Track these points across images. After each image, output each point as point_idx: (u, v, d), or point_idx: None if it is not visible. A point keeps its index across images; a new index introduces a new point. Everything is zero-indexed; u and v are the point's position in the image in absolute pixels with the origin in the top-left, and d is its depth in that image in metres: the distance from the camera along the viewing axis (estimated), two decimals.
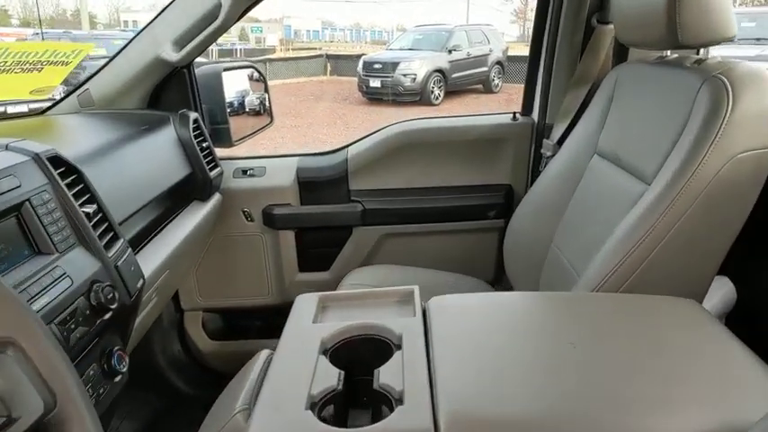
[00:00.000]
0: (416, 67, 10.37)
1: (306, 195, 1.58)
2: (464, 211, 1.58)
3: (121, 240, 0.92)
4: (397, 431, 0.59)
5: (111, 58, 1.39)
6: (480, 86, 11.88)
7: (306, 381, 0.67)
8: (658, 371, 0.68)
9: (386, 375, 0.68)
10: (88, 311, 0.77)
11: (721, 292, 1.15)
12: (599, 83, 1.30)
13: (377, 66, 10.68)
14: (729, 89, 0.89)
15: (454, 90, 11.07)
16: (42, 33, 11.65)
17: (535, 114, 1.57)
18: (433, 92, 10.51)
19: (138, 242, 1.12)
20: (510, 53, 12.92)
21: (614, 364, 0.70)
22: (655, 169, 0.98)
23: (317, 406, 0.64)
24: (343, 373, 0.69)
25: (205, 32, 1.28)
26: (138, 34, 1.37)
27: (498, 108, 10.22)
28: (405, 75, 10.34)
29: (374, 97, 10.72)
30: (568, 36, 1.43)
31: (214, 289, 1.65)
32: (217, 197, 1.47)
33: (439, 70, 10.64)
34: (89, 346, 0.79)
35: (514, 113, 1.58)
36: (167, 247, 1.17)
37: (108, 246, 0.88)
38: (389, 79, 10.39)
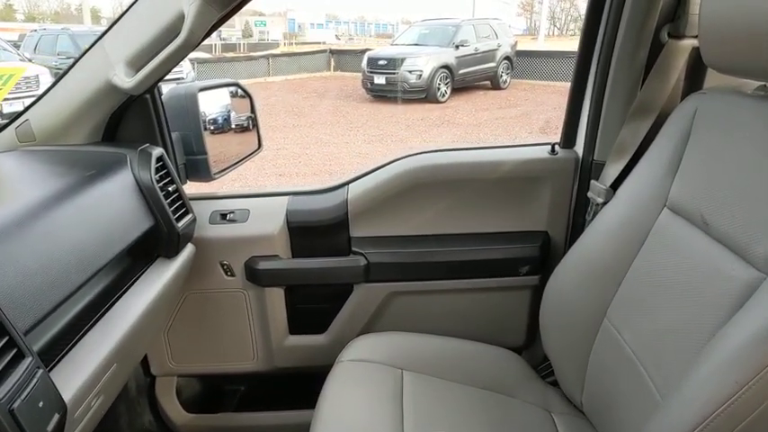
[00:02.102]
0: (422, 64, 10.17)
1: (297, 245, 1.30)
2: (490, 266, 1.30)
3: (28, 361, 0.65)
4: None
5: (55, 82, 1.11)
6: (488, 83, 11.63)
7: None
8: None
9: None
10: None
11: None
12: (667, 113, 1.01)
13: (381, 62, 10.48)
14: None
15: (462, 87, 10.84)
16: (40, 30, 11.46)
17: (579, 148, 1.28)
18: (439, 89, 10.32)
19: (76, 331, 0.85)
20: (518, 47, 12.64)
21: None
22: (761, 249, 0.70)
23: None
24: None
25: (165, 52, 1.00)
26: (87, 51, 1.09)
27: (506, 105, 9.95)
28: (410, 71, 10.14)
29: (379, 94, 10.54)
30: (629, 52, 1.13)
31: (189, 352, 1.38)
32: (188, 250, 1.19)
33: (445, 66, 10.45)
34: None
35: (553, 145, 1.30)
36: (116, 332, 0.90)
37: (2, 376, 0.61)
38: (394, 76, 10.19)
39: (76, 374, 0.78)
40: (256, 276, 1.29)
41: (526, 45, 15.67)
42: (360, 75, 10.95)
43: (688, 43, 1.08)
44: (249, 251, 1.29)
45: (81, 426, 0.82)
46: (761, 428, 0.64)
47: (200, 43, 1.00)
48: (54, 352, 0.80)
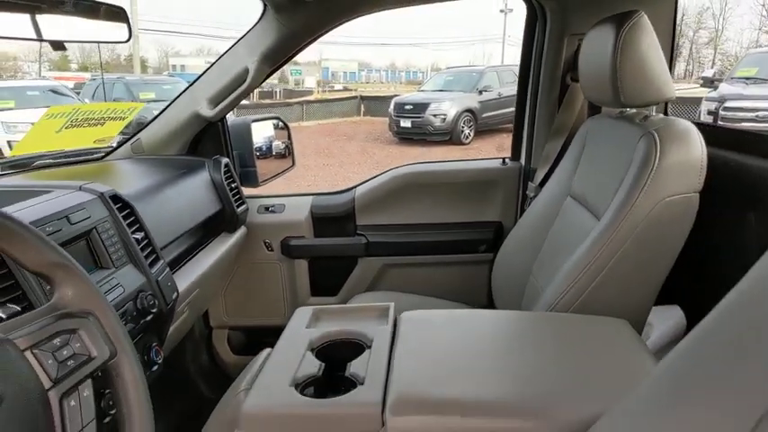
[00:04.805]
0: (446, 108, 10.61)
1: (318, 229, 1.80)
2: (458, 245, 1.78)
3: (162, 261, 1.16)
4: (352, 403, 0.79)
5: (160, 113, 1.67)
6: (511, 126, 12.02)
7: (293, 369, 0.88)
8: (570, 371, 0.86)
9: (356, 367, 0.88)
10: (135, 313, 1.00)
11: (672, 320, 1.30)
12: (575, 132, 1.49)
13: (408, 107, 10.98)
14: (658, 143, 1.07)
15: (485, 129, 11.29)
16: (98, 78, 12.57)
17: (523, 159, 1.77)
18: (463, 131, 10.72)
19: (175, 264, 1.36)
20: None
21: (539, 364, 0.88)
22: (605, 208, 1.17)
23: (300, 386, 0.84)
24: (323, 365, 0.90)
25: (235, 93, 1.55)
26: (181, 93, 1.65)
27: None
28: (435, 115, 10.58)
29: (404, 137, 11.00)
30: (546, 92, 1.64)
31: (239, 309, 1.88)
32: (242, 230, 1.70)
33: (469, 110, 10.86)
34: (134, 340, 1.02)
35: (504, 159, 1.79)
36: (198, 270, 1.40)
37: (151, 265, 1.12)
38: (420, 119, 10.68)
39: (180, 284, 1.28)
40: (289, 251, 1.80)
41: None
42: (387, 119, 11.62)
43: None
44: (284, 233, 1.80)
45: (172, 328, 1.30)
46: (590, 303, 1.09)
47: (258, 87, 1.55)
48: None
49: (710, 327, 0.62)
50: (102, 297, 0.62)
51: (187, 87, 1.64)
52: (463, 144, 10.63)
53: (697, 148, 1.07)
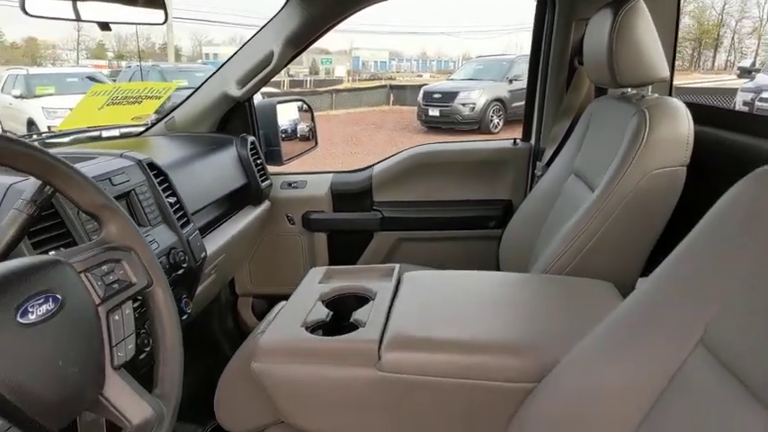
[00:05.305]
0: (476, 97, 10.56)
1: (337, 204, 1.92)
2: (469, 221, 1.87)
3: (192, 224, 1.29)
4: (353, 339, 0.90)
5: (191, 94, 1.80)
6: None
7: (304, 315, 0.99)
8: (554, 320, 0.95)
9: (359, 314, 0.99)
10: (167, 266, 1.13)
11: None
12: (582, 113, 1.56)
13: (436, 95, 10.95)
14: (648, 119, 1.15)
15: (515, 119, 11.21)
16: (133, 66, 12.96)
17: (533, 140, 1.84)
18: (492, 120, 10.64)
19: (204, 230, 1.48)
20: None
21: (527, 315, 0.98)
22: (600, 181, 1.24)
23: (310, 328, 0.96)
24: (331, 313, 1.01)
25: (261, 74, 1.66)
26: (211, 75, 1.78)
27: None
28: (464, 104, 10.53)
29: (433, 126, 10.98)
30: (555, 74, 1.70)
31: (262, 278, 2.01)
32: (266, 203, 1.83)
33: (498, 99, 10.77)
34: None
35: (515, 139, 1.86)
36: (225, 237, 1.53)
37: (182, 226, 1.25)
38: (448, 108, 10.65)
39: (208, 247, 1.41)
40: (309, 224, 1.92)
41: None
42: (416, 108, 11.64)
43: None
44: (305, 207, 1.92)
45: (203, 286, 1.43)
46: (581, 267, 1.17)
47: (282, 69, 1.66)
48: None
49: (660, 273, 0.71)
50: (141, 236, 0.75)
51: (217, 69, 1.77)
52: (492, 133, 10.54)
53: (684, 124, 1.14)
